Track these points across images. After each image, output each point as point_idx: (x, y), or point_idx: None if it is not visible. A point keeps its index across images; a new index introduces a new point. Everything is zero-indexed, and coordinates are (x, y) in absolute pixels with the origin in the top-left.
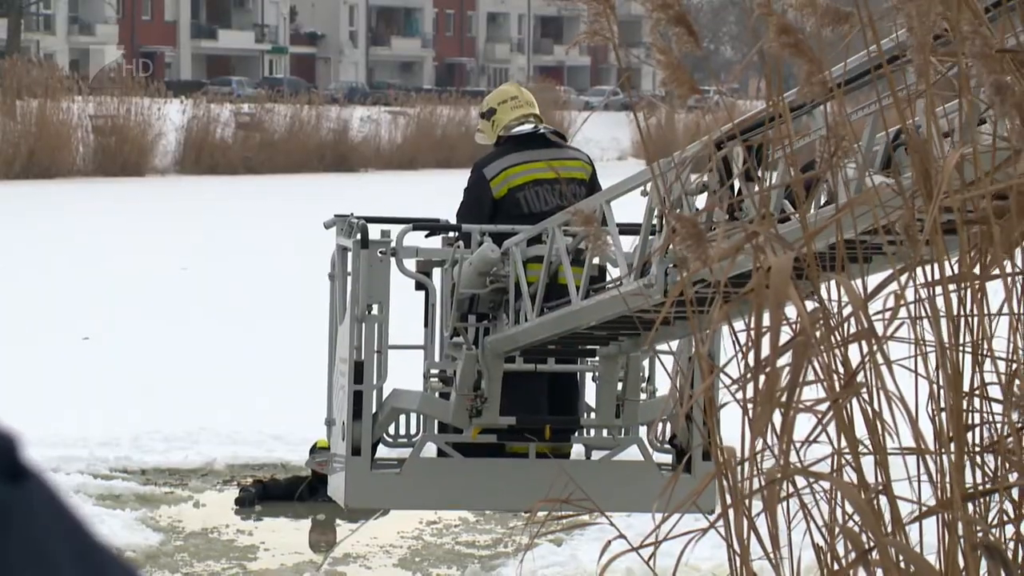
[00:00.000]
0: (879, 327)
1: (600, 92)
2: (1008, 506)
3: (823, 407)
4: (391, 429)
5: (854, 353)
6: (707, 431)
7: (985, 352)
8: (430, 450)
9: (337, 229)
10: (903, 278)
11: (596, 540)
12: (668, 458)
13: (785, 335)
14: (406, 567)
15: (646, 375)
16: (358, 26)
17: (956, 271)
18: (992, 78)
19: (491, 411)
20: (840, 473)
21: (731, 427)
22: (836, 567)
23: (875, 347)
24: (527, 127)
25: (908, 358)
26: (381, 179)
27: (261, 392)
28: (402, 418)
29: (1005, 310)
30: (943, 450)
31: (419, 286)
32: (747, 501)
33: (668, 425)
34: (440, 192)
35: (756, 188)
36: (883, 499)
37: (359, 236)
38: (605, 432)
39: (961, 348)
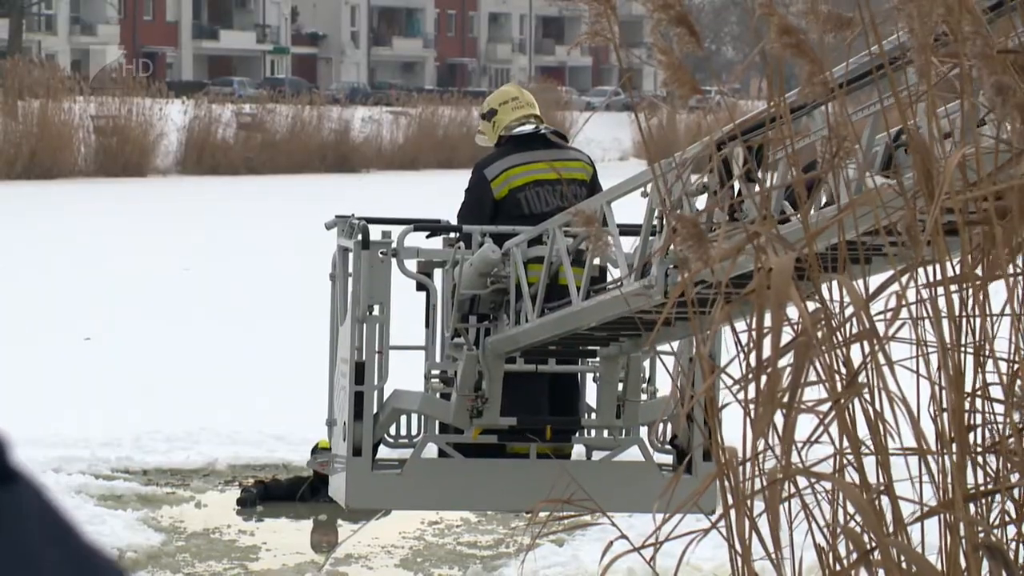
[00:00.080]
0: (881, 328)
1: (601, 92)
2: (1010, 506)
3: (825, 407)
4: (392, 430)
5: (856, 354)
6: (708, 431)
7: (987, 353)
8: (431, 451)
9: (338, 230)
10: (904, 279)
11: (598, 540)
12: (669, 459)
13: (787, 336)
14: (408, 567)
15: (647, 376)
16: (359, 26)
17: (958, 272)
18: (993, 79)
19: (492, 412)
20: (842, 473)
21: (733, 427)
22: (838, 567)
23: (877, 348)
24: (528, 128)
25: (910, 359)
26: (383, 179)
27: (262, 392)
28: (403, 419)
29: (1007, 311)
30: (945, 450)
31: (420, 287)
32: (749, 501)
33: (669, 426)
34: (442, 192)
35: (757, 189)
36: (885, 499)
37: (360, 237)
38: (606, 433)
39: (963, 349)
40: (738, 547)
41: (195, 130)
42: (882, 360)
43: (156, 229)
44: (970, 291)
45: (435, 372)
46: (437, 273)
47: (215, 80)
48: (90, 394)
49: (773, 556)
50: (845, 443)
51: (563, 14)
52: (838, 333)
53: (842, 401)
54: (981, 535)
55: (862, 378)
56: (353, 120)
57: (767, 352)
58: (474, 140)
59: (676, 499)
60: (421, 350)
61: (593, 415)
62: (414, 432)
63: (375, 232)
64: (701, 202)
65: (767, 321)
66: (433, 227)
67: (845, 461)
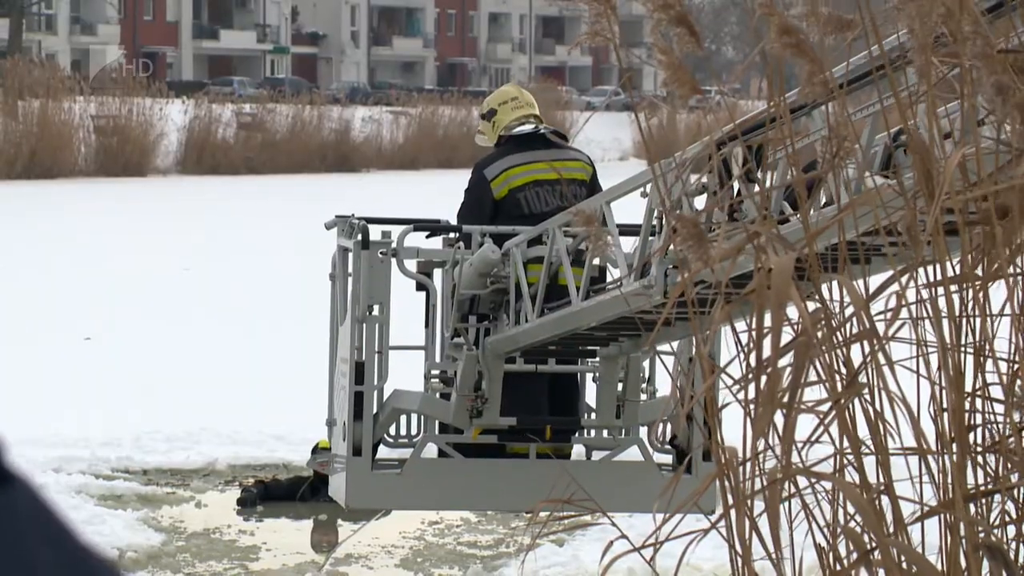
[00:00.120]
0: (881, 328)
1: (602, 92)
2: (1010, 506)
3: (825, 407)
4: (392, 430)
5: (856, 354)
6: (708, 431)
7: (987, 353)
8: (431, 451)
9: (338, 230)
10: (904, 279)
11: (598, 540)
12: (668, 459)
13: (787, 335)
14: (408, 567)
15: (646, 376)
16: (360, 26)
17: (958, 272)
18: (993, 79)
19: (492, 412)
20: (842, 473)
21: (733, 427)
22: (838, 567)
23: (877, 348)
24: (527, 127)
25: (910, 359)
26: (383, 179)
27: (262, 392)
28: (403, 419)
29: (1007, 310)
30: (945, 450)
31: (420, 287)
32: (749, 501)
33: (668, 426)
34: (442, 192)
35: (756, 189)
36: (885, 499)
37: (360, 237)
38: (605, 433)
39: (963, 349)
40: (738, 547)
41: (195, 130)
42: (882, 360)
43: (156, 229)
44: (970, 291)
45: (435, 372)
46: (437, 273)
47: (215, 80)
48: (90, 394)
49: (773, 556)
50: (845, 443)
51: (563, 14)
52: (838, 333)
53: (842, 401)
54: (981, 535)
55: (862, 378)
56: (353, 120)
57: (767, 352)
58: (474, 140)
59: (676, 499)
60: (421, 350)
61: (593, 415)
62: (414, 432)
63: (375, 232)
64: (701, 202)
65: (767, 321)
66: (433, 227)
67: (845, 461)
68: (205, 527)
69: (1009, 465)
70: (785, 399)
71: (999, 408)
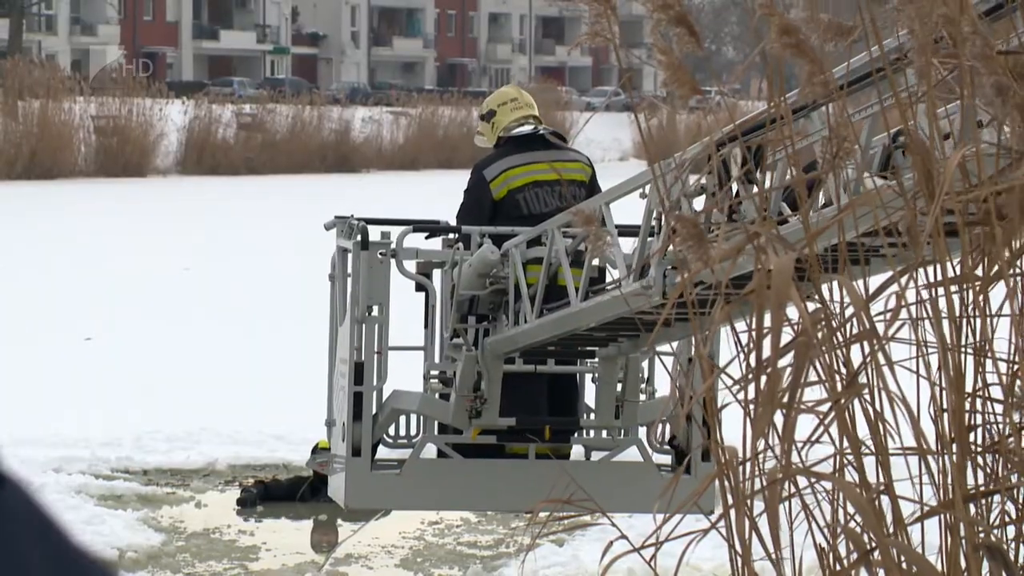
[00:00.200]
0: (881, 328)
1: (602, 93)
2: (1010, 507)
3: (825, 408)
4: (391, 430)
5: (856, 354)
6: (708, 431)
7: (987, 353)
8: (430, 451)
9: (337, 230)
10: (904, 279)
11: (598, 540)
12: (667, 459)
13: (787, 336)
14: (408, 567)
15: (645, 376)
16: (360, 26)
17: (958, 272)
18: (993, 79)
19: (491, 412)
20: (842, 473)
21: (732, 427)
22: (838, 567)
23: (877, 348)
24: (527, 128)
25: (910, 359)
26: (383, 179)
27: (262, 392)
28: (402, 419)
29: (1006, 311)
30: (945, 451)
31: (419, 287)
32: (749, 501)
33: (667, 426)
34: (442, 192)
35: (755, 189)
36: (885, 499)
37: (359, 238)
38: (604, 433)
39: (963, 349)
40: (738, 547)
41: (195, 130)
42: (882, 360)
43: (156, 229)
44: (970, 292)
45: (434, 372)
46: (436, 274)
47: (215, 80)
48: (90, 394)
49: (773, 556)
50: (845, 443)
51: (563, 14)
52: (838, 333)
53: (842, 401)
54: (981, 535)
55: (862, 378)
56: (353, 120)
57: (767, 352)
58: (473, 141)
59: (675, 499)
60: (420, 351)
61: (592, 415)
62: (413, 432)
63: (374, 233)
64: (700, 203)
65: (767, 321)
66: (432, 228)
67: (845, 461)
68: (205, 527)
69: (1009, 465)
70: (785, 399)
71: (999, 408)
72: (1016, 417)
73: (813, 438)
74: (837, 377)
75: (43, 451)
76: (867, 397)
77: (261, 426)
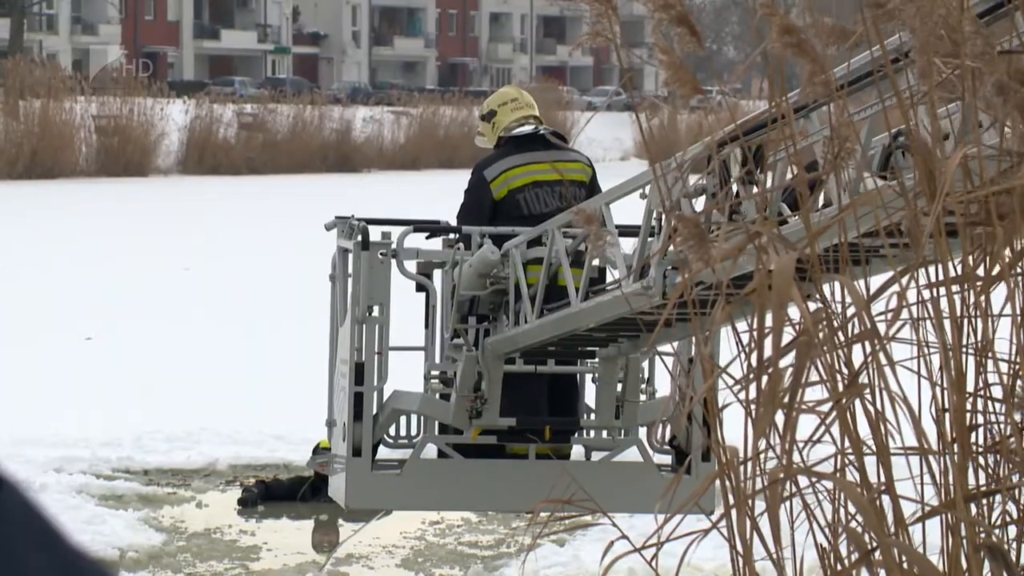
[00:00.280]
0: (882, 328)
1: (603, 92)
2: (1011, 507)
3: (826, 407)
4: (392, 430)
5: (857, 354)
6: (708, 431)
7: (988, 354)
8: (430, 451)
9: (338, 231)
10: (905, 279)
11: (598, 541)
12: (667, 459)
13: (788, 336)
14: (408, 567)
15: (645, 376)
16: (361, 26)
17: (959, 272)
18: (994, 79)
19: (491, 412)
20: (843, 473)
21: (734, 427)
22: (839, 567)
23: (878, 348)
24: (527, 128)
25: (911, 359)
26: (384, 179)
27: (262, 392)
28: (402, 419)
29: (1007, 311)
30: (946, 451)
31: (419, 288)
32: (750, 501)
33: (668, 426)
34: (443, 192)
35: (756, 189)
36: (886, 499)
37: (360, 238)
38: (605, 433)
39: (964, 349)
40: (739, 547)
41: (196, 130)
42: (883, 360)
43: (157, 229)
44: (971, 292)
45: (434, 373)
46: (437, 274)
47: (216, 80)
48: (90, 394)
49: (774, 556)
50: (846, 443)
51: (564, 14)
52: (839, 333)
53: (843, 401)
54: (982, 536)
55: (863, 378)
56: (354, 120)
57: (768, 352)
58: (474, 141)
59: (676, 499)
60: (421, 351)
61: (592, 416)
62: (414, 433)
63: (375, 233)
64: (700, 203)
65: (768, 321)
66: (432, 228)
67: (846, 461)
68: (206, 527)
69: (1010, 466)
70: (786, 399)
71: (1000, 408)
72: (1017, 417)
73: (814, 438)
74: (838, 377)
75: (44, 451)
76: (868, 397)
77: (261, 426)
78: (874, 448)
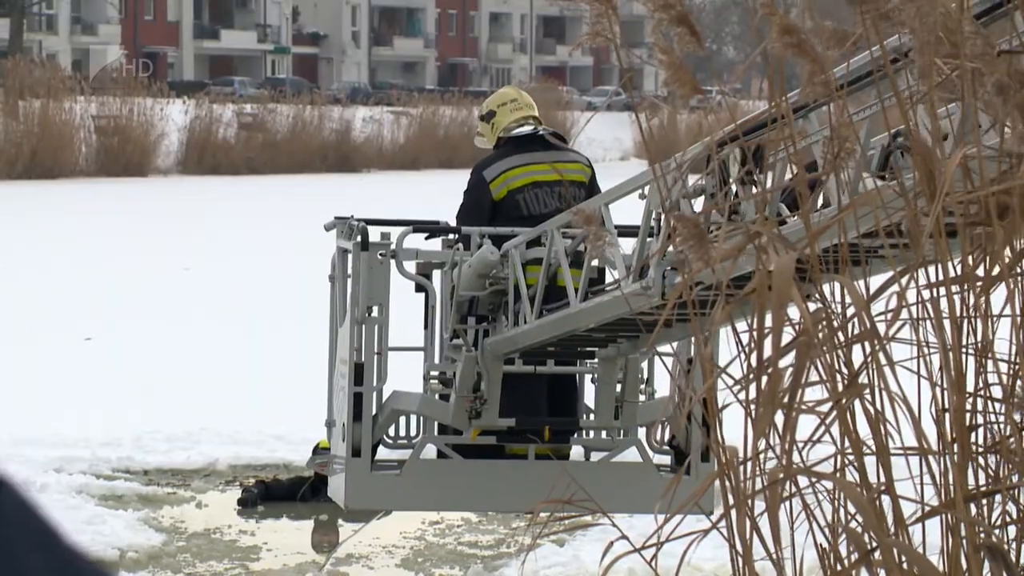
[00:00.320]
0: (882, 328)
1: (602, 92)
2: (1011, 507)
3: (826, 407)
4: (391, 430)
5: (857, 354)
6: (708, 431)
7: (988, 354)
8: (430, 451)
9: (337, 231)
10: (905, 279)
11: (598, 541)
12: (667, 460)
13: (788, 336)
14: (408, 567)
15: (645, 377)
16: (360, 26)
17: (959, 272)
18: (994, 78)
19: (490, 413)
20: (843, 473)
21: (733, 427)
22: (839, 568)
23: (878, 348)
24: (526, 129)
25: (911, 359)
26: (383, 179)
27: (262, 392)
28: (402, 419)
29: (1007, 311)
30: (946, 451)
31: (419, 288)
32: (750, 501)
33: (667, 427)
34: (443, 192)
35: (755, 190)
36: (886, 499)
37: (359, 238)
38: (604, 434)
39: (964, 350)
40: (739, 547)
41: (196, 130)
42: (883, 360)
43: (156, 229)
44: (971, 292)
45: (434, 373)
46: (436, 274)
47: (216, 80)
48: (90, 394)
49: (774, 556)
50: (846, 443)
51: (564, 14)
52: (839, 333)
53: (843, 401)
54: (982, 536)
55: (863, 378)
56: (354, 120)
57: (768, 352)
58: (474, 141)
59: (676, 500)
60: (420, 351)
61: (591, 416)
62: (413, 433)
63: (374, 233)
64: (699, 203)
65: (768, 321)
66: (432, 228)
67: (846, 461)
68: (206, 527)
69: (1010, 466)
70: (786, 399)
71: (1000, 409)
72: (1017, 417)
73: (814, 438)
74: (838, 377)
75: (44, 451)
76: (868, 397)
77: (261, 426)
78: (874, 448)
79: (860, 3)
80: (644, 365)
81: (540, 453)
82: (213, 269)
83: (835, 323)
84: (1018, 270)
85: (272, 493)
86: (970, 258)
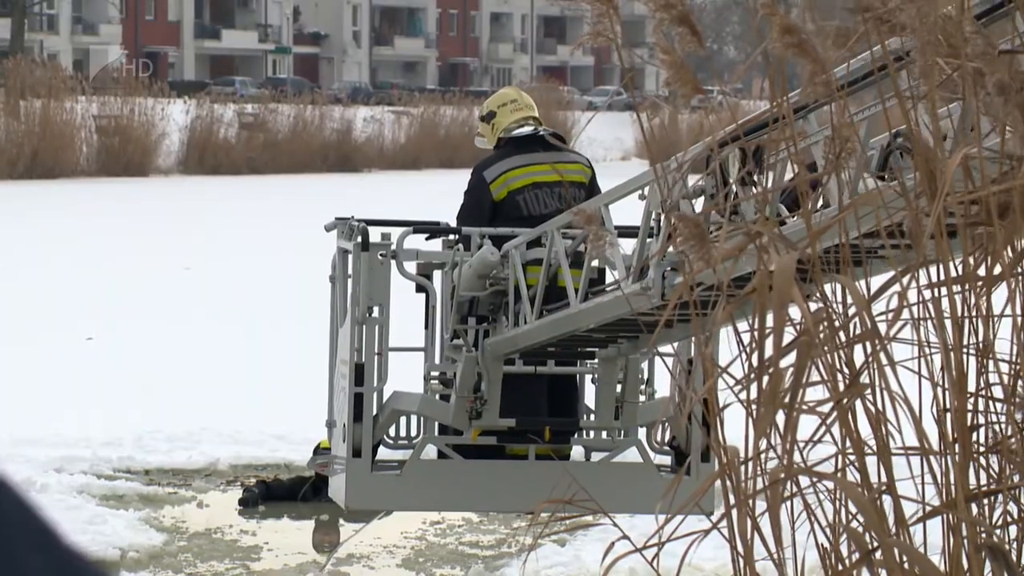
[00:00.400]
0: (883, 328)
1: (603, 92)
2: (1012, 507)
3: (827, 407)
4: (391, 431)
5: (858, 354)
6: (708, 431)
7: (989, 354)
8: (430, 452)
9: (338, 232)
10: (906, 279)
11: (599, 541)
12: (667, 460)
13: (789, 336)
14: (409, 567)
15: (645, 377)
16: (361, 26)
17: (960, 272)
18: (995, 78)
19: (491, 413)
20: (844, 473)
21: (734, 427)
22: (840, 567)
23: (879, 348)
24: (527, 129)
25: (912, 359)
26: (384, 179)
27: (263, 392)
28: (402, 420)
29: (1008, 311)
30: (947, 451)
31: (419, 288)
32: (751, 501)
33: (668, 427)
34: (443, 192)
35: (755, 190)
36: (887, 499)
37: (359, 239)
38: (604, 434)
39: (965, 350)
40: (740, 547)
41: (197, 130)
42: (884, 360)
43: (157, 229)
44: (972, 292)
45: (434, 374)
46: (436, 275)
47: (217, 80)
48: (90, 394)
49: (775, 556)
50: (847, 443)
51: (565, 14)
52: (840, 333)
53: (844, 401)
54: (983, 536)
55: (864, 378)
56: (355, 120)
57: (769, 352)
58: (474, 142)
59: (677, 500)
60: (420, 352)
61: (592, 416)
62: (413, 433)
63: (375, 234)
64: (700, 203)
65: (769, 321)
66: (432, 229)
67: (847, 461)
68: (207, 527)
69: (1011, 466)
70: (787, 399)
71: (1001, 409)
72: (1018, 417)
73: (815, 438)
74: (839, 377)
75: (44, 451)
76: (869, 397)
77: (262, 426)
78: (875, 448)
79: (862, 10)
80: (644, 365)
81: (540, 453)
82: (213, 269)
83: (836, 323)
84: (1019, 270)
85: (273, 493)
86: (971, 258)
